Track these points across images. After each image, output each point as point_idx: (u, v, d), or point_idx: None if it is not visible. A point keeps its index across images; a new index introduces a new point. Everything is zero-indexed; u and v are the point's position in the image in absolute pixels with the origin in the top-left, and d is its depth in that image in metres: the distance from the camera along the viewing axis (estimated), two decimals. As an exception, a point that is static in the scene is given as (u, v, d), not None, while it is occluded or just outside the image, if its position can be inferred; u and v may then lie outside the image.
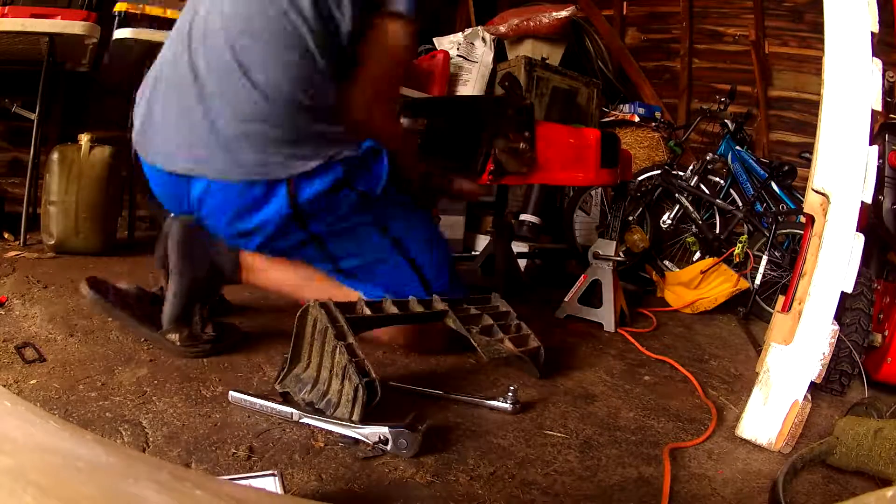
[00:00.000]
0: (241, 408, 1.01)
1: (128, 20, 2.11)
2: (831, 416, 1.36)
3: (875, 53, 1.08)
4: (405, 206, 1.29)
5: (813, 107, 3.43)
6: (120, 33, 2.05)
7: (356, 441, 0.95)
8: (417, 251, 1.28)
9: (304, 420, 0.96)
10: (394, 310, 1.23)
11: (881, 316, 1.65)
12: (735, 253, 2.49)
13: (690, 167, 2.98)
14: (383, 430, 0.92)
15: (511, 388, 1.14)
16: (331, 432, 0.95)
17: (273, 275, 1.29)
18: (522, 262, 2.61)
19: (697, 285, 2.46)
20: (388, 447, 0.91)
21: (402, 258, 1.27)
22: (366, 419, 0.96)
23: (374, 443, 0.92)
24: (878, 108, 1.09)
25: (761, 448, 1.13)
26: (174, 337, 1.19)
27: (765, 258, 2.45)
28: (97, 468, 0.35)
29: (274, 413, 0.98)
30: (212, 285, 1.26)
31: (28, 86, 2.22)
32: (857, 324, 1.51)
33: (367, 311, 1.18)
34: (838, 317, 1.14)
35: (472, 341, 1.25)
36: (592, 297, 1.98)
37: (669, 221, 2.96)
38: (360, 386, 0.97)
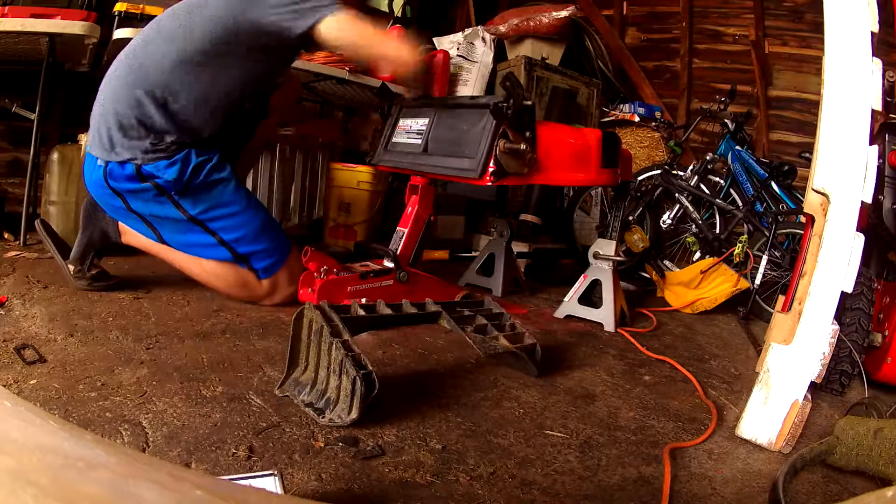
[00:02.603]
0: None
1: (128, 20, 2.11)
2: (831, 415, 1.36)
3: (875, 53, 1.08)
4: (214, 192, 1.59)
5: (813, 106, 3.44)
6: (120, 33, 2.05)
7: (356, 441, 0.95)
8: (221, 227, 1.60)
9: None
10: (387, 311, 1.23)
11: (881, 316, 1.65)
12: (735, 253, 2.49)
13: (690, 167, 2.98)
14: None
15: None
16: (331, 432, 0.95)
17: (138, 238, 1.67)
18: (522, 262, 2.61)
19: (697, 285, 2.46)
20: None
21: (205, 232, 1.60)
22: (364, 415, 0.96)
23: None
24: (878, 108, 1.09)
25: (761, 448, 1.13)
26: (71, 268, 1.63)
27: (765, 258, 2.45)
28: (97, 468, 0.35)
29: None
30: (102, 242, 1.68)
31: (28, 86, 2.22)
32: (857, 324, 1.51)
33: (361, 312, 1.19)
34: (838, 317, 1.14)
35: (467, 339, 1.26)
36: (592, 296, 1.98)
37: (669, 221, 2.96)
38: (357, 378, 0.97)
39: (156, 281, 1.79)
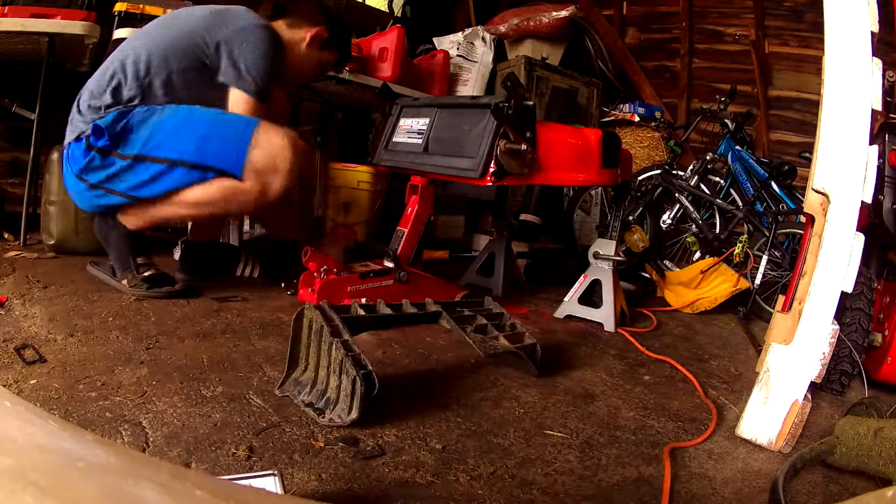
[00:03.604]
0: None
1: (128, 20, 2.12)
2: (831, 415, 1.36)
3: (875, 53, 1.08)
4: (148, 124, 1.55)
5: (813, 106, 3.44)
6: (120, 33, 2.05)
7: (356, 441, 0.95)
8: (165, 149, 1.54)
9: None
10: (387, 311, 1.23)
11: (881, 316, 1.65)
12: (735, 253, 2.49)
13: (690, 167, 2.98)
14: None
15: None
16: (331, 432, 0.95)
17: (132, 214, 1.65)
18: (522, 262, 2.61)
19: (697, 285, 2.46)
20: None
21: (154, 162, 1.55)
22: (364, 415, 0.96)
23: None
24: (878, 108, 1.09)
25: (761, 448, 1.13)
26: (124, 282, 1.66)
27: (765, 258, 2.45)
28: (97, 468, 0.35)
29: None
30: (125, 241, 1.68)
31: (28, 86, 2.22)
32: (857, 323, 1.51)
33: (361, 312, 1.19)
34: (838, 316, 1.14)
35: (467, 339, 1.26)
36: (592, 296, 1.98)
37: (669, 221, 2.96)
38: (357, 378, 0.97)
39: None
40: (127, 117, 1.55)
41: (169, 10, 2.12)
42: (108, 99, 1.57)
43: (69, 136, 1.60)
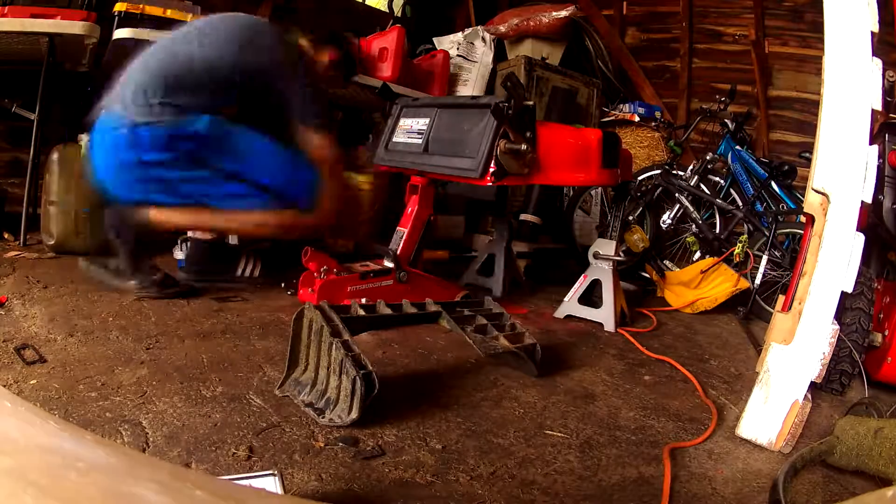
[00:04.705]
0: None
1: (128, 20, 2.11)
2: (831, 415, 1.36)
3: (875, 53, 1.08)
4: (238, 146, 1.63)
5: (813, 106, 3.43)
6: (120, 33, 2.05)
7: (356, 441, 0.95)
8: (254, 173, 1.64)
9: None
10: (387, 311, 1.23)
11: (881, 316, 1.65)
12: (735, 252, 2.49)
13: (690, 167, 2.98)
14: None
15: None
16: (331, 432, 0.95)
17: (169, 214, 1.66)
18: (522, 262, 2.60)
19: (697, 285, 2.46)
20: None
21: (243, 184, 1.63)
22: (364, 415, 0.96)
23: None
24: (878, 107, 1.09)
25: (761, 448, 1.13)
26: (132, 282, 1.63)
27: (765, 258, 2.45)
28: (97, 468, 0.35)
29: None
30: (141, 239, 1.68)
31: (28, 86, 2.22)
32: (858, 323, 1.51)
33: (361, 312, 1.19)
34: (838, 316, 1.14)
35: (467, 339, 1.26)
36: (592, 296, 1.98)
37: (669, 221, 2.96)
38: (357, 378, 0.97)
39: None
40: (221, 128, 1.60)
41: (168, 11, 2.13)
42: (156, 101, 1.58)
43: (121, 115, 1.57)
